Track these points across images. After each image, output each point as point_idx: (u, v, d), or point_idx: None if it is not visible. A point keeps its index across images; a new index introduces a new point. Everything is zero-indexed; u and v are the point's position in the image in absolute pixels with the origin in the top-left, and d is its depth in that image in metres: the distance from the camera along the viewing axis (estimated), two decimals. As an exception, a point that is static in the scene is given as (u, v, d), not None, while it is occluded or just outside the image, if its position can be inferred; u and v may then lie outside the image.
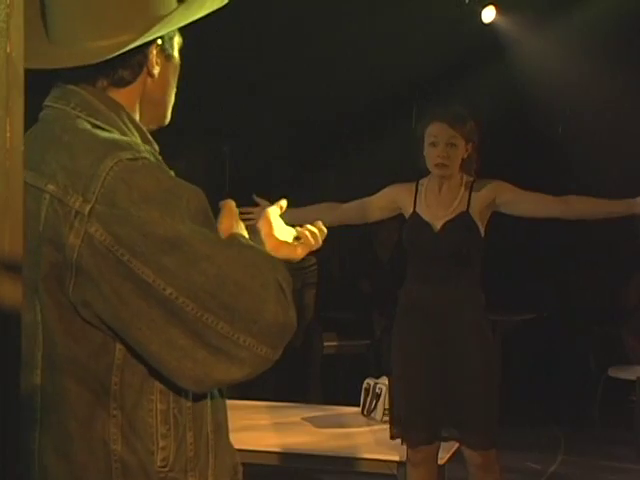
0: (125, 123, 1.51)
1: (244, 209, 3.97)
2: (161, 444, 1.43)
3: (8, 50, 0.95)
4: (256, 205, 3.90)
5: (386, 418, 4.03)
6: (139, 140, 1.51)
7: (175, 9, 1.51)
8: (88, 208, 1.37)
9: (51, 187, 1.40)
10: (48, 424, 1.43)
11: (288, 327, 1.41)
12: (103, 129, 1.47)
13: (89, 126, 1.47)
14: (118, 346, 1.41)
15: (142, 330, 1.36)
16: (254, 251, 1.44)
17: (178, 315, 1.35)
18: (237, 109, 7.45)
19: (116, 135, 1.47)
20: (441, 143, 3.67)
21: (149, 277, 1.35)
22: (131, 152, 1.41)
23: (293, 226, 1.68)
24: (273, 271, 1.42)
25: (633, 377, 6.08)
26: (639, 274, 7.34)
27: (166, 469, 1.43)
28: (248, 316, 1.37)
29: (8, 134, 0.95)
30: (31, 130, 1.52)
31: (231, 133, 7.75)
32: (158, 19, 1.49)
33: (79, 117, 1.48)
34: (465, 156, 3.73)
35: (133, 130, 1.52)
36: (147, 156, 1.42)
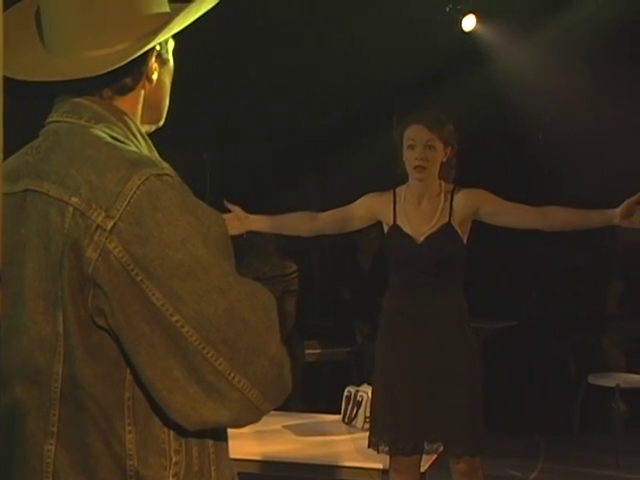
0: (134, 134, 1.51)
1: None
2: (174, 459, 1.43)
3: (-13, 56, 0.94)
4: (228, 211, 3.80)
5: (367, 426, 4.01)
6: (146, 149, 1.52)
7: (174, 12, 1.50)
8: (110, 224, 1.36)
9: (75, 200, 1.39)
10: (68, 439, 1.43)
11: (283, 380, 1.40)
12: (120, 141, 1.47)
13: (109, 138, 1.46)
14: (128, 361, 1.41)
15: (141, 355, 1.36)
16: (266, 294, 1.43)
17: (179, 344, 1.34)
18: (216, 116, 7.45)
19: (136, 149, 1.48)
20: (419, 145, 3.65)
21: (159, 301, 1.34)
22: (156, 169, 1.40)
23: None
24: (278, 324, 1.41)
25: (613, 384, 6.10)
26: (619, 281, 7.38)
27: None
28: (247, 356, 1.36)
29: (-13, 141, 0.94)
30: (39, 143, 1.51)
31: (211, 141, 7.74)
32: (154, 23, 1.49)
33: (95, 130, 1.47)
34: (444, 160, 3.70)
35: (140, 139, 1.53)
36: (169, 172, 1.42)
